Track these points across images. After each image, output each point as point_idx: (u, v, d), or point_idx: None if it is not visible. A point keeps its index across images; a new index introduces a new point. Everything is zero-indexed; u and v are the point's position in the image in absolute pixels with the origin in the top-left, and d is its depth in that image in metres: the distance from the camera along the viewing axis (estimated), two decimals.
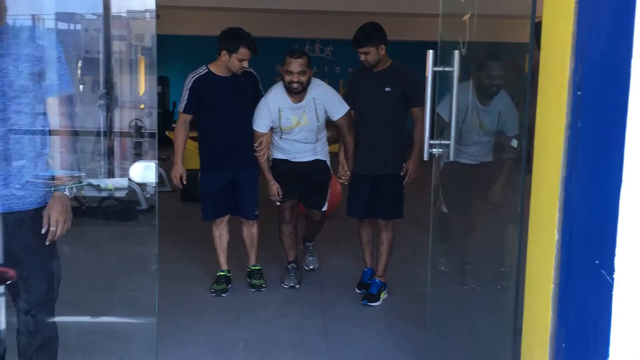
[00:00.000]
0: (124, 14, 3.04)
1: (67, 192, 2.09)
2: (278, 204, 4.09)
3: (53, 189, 2.09)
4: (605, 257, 1.49)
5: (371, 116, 3.87)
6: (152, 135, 3.38)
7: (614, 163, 1.46)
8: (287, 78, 3.79)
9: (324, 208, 4.28)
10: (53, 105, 2.10)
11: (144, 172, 1.91)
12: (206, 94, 3.85)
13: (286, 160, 4.02)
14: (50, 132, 2.09)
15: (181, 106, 3.89)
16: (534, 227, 1.90)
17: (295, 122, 3.86)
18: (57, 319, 3.17)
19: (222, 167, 3.95)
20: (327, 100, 3.89)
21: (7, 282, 2.38)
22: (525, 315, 1.97)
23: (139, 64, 3.89)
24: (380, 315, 3.65)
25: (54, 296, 2.20)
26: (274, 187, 3.99)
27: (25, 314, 2.16)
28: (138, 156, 9.12)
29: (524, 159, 1.91)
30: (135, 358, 2.88)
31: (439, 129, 2.76)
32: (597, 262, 1.54)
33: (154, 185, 2.09)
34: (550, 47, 1.81)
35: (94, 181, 3.94)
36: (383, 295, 3.94)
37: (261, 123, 3.90)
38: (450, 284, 3.11)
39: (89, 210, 5.54)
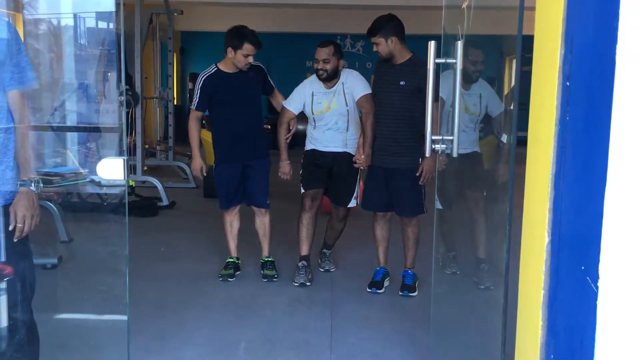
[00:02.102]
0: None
1: (33, 187, 2.04)
2: (302, 191, 4.17)
3: (19, 184, 2.03)
4: (591, 262, 1.36)
5: (386, 108, 3.88)
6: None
7: (598, 161, 1.33)
8: (315, 65, 4.05)
9: (351, 205, 4.24)
10: (16, 99, 2.03)
11: (111, 169, 1.86)
12: (215, 91, 4.08)
13: (315, 149, 4.14)
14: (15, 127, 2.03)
15: (193, 104, 4.15)
16: (527, 228, 1.78)
17: (326, 106, 4.05)
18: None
19: (232, 158, 4.13)
20: (352, 83, 4.04)
21: (4, 279, 2.37)
22: (519, 322, 1.84)
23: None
24: (388, 317, 3.54)
25: (28, 295, 2.15)
26: (287, 166, 4.16)
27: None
28: (152, 156, 9.05)
29: (513, 157, 1.78)
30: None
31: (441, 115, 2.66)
32: (582, 267, 1.41)
33: (123, 183, 2.04)
34: (541, 33, 1.67)
35: (95, 177, 3.95)
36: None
37: (293, 102, 4.14)
38: (454, 285, 2.99)
39: (110, 207, 5.57)
